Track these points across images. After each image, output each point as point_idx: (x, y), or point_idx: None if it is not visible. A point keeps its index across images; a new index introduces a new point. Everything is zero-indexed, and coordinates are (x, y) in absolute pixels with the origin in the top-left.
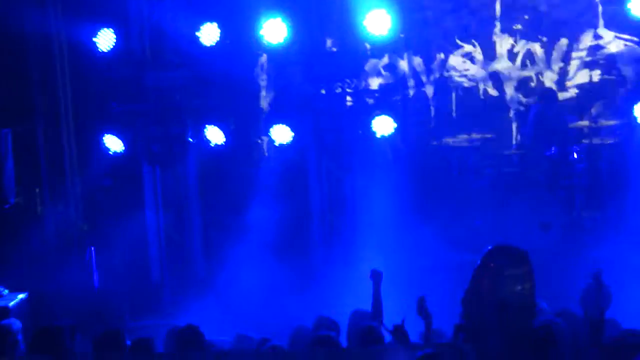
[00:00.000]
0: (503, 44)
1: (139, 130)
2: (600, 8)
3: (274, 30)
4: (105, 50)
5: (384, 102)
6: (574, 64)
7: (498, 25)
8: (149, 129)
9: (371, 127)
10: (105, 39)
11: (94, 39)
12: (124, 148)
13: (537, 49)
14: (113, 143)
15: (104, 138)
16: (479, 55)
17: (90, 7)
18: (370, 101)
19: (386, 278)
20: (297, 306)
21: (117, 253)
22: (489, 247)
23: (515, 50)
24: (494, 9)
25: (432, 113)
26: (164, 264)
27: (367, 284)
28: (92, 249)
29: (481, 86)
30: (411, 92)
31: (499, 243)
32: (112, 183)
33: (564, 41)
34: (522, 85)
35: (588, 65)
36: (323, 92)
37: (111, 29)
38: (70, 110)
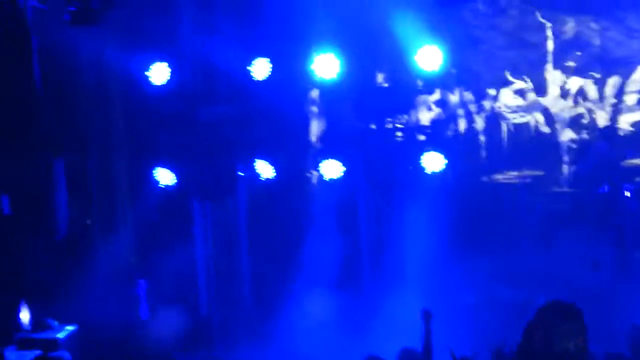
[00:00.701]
0: (555, 80)
1: (190, 164)
2: None
3: (326, 65)
4: (159, 84)
5: (435, 137)
6: (626, 101)
7: (550, 61)
8: (200, 162)
9: (421, 163)
10: (158, 73)
11: (147, 73)
12: (175, 181)
13: (590, 85)
14: (164, 176)
15: (154, 171)
16: (530, 91)
17: (144, 40)
18: (421, 137)
19: (437, 315)
20: (347, 345)
21: (167, 286)
22: (543, 304)
23: (567, 86)
24: (546, 45)
25: (483, 149)
26: (213, 298)
27: (417, 321)
28: (142, 281)
29: (532, 122)
30: (462, 128)
31: (553, 299)
32: (161, 217)
33: (616, 78)
34: (574, 122)
35: None
36: (373, 127)
37: (165, 63)
38: (122, 143)
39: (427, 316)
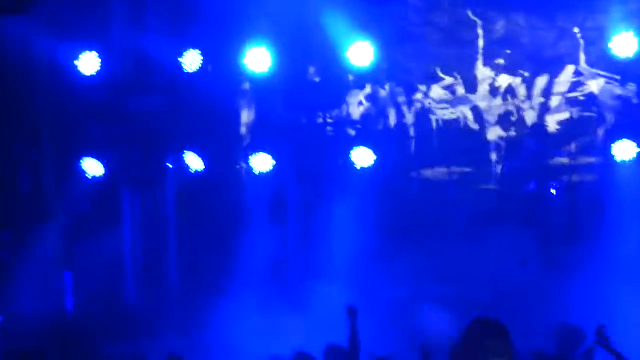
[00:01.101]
0: (485, 77)
1: (118, 155)
2: (582, 45)
3: (257, 59)
4: (88, 74)
5: (365, 132)
6: (554, 100)
7: (480, 58)
8: (129, 153)
9: (351, 158)
10: (88, 63)
11: (76, 62)
12: (103, 172)
13: (519, 83)
14: (92, 167)
15: (83, 161)
16: (460, 88)
17: (74, 30)
18: (352, 132)
19: (364, 310)
20: (274, 340)
21: (94, 277)
22: (470, 320)
23: (496, 84)
24: (477, 43)
25: (413, 144)
26: (140, 289)
27: (344, 317)
28: (68, 273)
29: (462, 119)
30: (392, 123)
31: (479, 316)
32: (89, 207)
33: (545, 77)
34: (503, 119)
35: (569, 101)
36: (304, 121)
37: (95, 52)
38: (50, 132)
39: (352, 313)
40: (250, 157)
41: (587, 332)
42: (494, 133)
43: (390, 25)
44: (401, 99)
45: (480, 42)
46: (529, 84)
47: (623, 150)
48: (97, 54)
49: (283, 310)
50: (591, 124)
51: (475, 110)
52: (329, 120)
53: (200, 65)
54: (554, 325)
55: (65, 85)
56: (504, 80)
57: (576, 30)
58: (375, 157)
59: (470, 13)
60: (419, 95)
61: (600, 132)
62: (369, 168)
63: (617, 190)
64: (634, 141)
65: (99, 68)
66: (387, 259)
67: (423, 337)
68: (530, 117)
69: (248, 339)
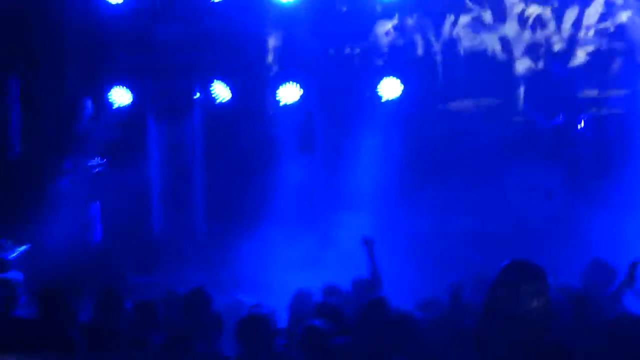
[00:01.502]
0: (514, 7)
1: (146, 84)
2: None
3: None
4: (115, 3)
5: (393, 63)
6: (583, 31)
7: None
8: (156, 82)
9: (378, 90)
10: None
11: None
12: (130, 101)
13: (548, 14)
14: (120, 95)
15: (111, 90)
16: (489, 18)
17: None
18: (379, 62)
19: (387, 241)
20: (300, 275)
21: (120, 208)
22: (505, 263)
23: (525, 14)
24: None
25: (440, 75)
26: (167, 220)
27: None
28: (97, 203)
29: (490, 50)
30: (420, 54)
31: (515, 258)
32: (116, 137)
33: (575, 7)
34: (531, 50)
35: (598, 32)
36: (332, 51)
37: None
38: (77, 62)
39: (369, 244)
40: (277, 88)
41: (617, 270)
42: (522, 64)
43: None
44: (429, 29)
45: None
46: (558, 14)
47: None
48: None
49: (312, 241)
50: (620, 56)
51: (504, 40)
52: (357, 51)
53: None
54: (585, 261)
55: (92, 14)
56: (533, 11)
57: None
58: (402, 88)
59: None
60: (446, 26)
61: (629, 63)
62: (396, 99)
63: None
64: None
65: None
66: (414, 191)
67: (451, 272)
68: (559, 48)
69: (276, 272)
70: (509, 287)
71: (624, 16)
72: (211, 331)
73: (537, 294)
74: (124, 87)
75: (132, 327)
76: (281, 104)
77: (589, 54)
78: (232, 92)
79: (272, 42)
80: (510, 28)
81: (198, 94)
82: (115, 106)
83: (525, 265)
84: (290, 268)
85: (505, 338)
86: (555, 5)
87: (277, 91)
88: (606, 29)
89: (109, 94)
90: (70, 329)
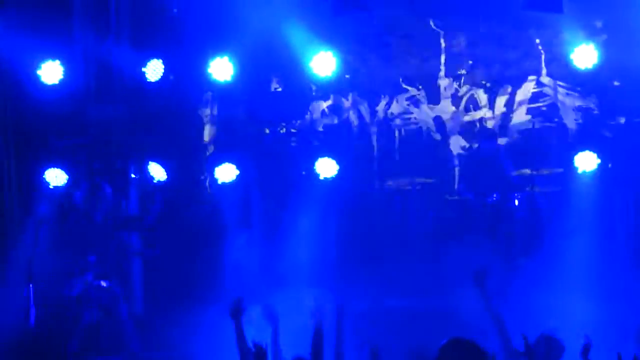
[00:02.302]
0: (447, 88)
1: (82, 165)
2: (543, 56)
3: (220, 68)
4: (50, 84)
5: (328, 143)
6: (516, 110)
7: (443, 69)
8: (92, 163)
9: (315, 168)
10: (50, 72)
11: (37, 72)
12: (65, 182)
13: (481, 94)
14: (55, 177)
15: (45, 172)
16: (423, 98)
17: (35, 39)
18: (315, 142)
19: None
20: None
21: (57, 290)
22: (444, 342)
23: (459, 94)
24: (439, 54)
25: (376, 155)
26: None
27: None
28: (30, 286)
29: (425, 130)
30: (355, 134)
31: (456, 337)
32: (53, 218)
33: (507, 87)
34: (465, 129)
35: (530, 112)
36: (267, 131)
37: (57, 61)
38: (11, 144)
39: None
40: (214, 168)
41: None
42: (457, 143)
43: (352, 35)
44: (364, 110)
45: (443, 53)
46: (491, 94)
47: (585, 161)
48: (60, 63)
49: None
50: (553, 135)
51: (438, 120)
52: (292, 131)
53: (163, 75)
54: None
55: (27, 95)
56: (466, 91)
57: (538, 41)
58: (338, 168)
59: (432, 23)
60: (381, 106)
61: (562, 142)
62: (332, 178)
63: (579, 201)
64: (595, 152)
65: (62, 77)
66: (350, 270)
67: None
68: (492, 128)
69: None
70: None
71: (556, 96)
72: None
73: None
74: (59, 169)
75: None
76: (219, 182)
77: (521, 133)
78: (167, 172)
79: (207, 121)
80: (444, 108)
81: (134, 175)
82: (52, 186)
83: (466, 348)
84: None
85: None
86: (488, 85)
87: (214, 170)
88: (538, 108)
89: (44, 175)
90: None
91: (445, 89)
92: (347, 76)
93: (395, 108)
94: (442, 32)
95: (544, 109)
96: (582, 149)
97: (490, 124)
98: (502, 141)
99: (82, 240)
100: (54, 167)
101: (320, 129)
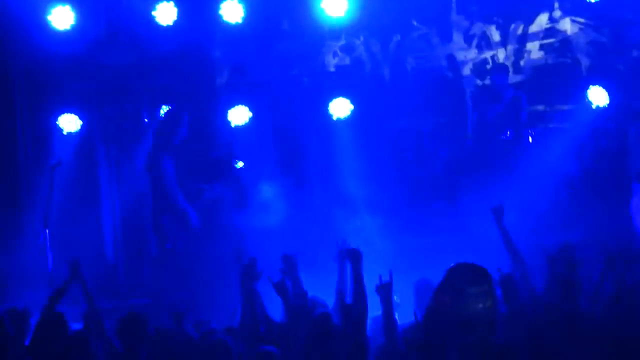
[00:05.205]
0: (459, 26)
1: (94, 110)
2: None
3: (231, 10)
4: (61, 29)
5: (341, 83)
6: (529, 47)
7: (454, 7)
8: (105, 108)
9: (328, 109)
10: (61, 17)
11: (48, 17)
12: (79, 128)
13: (493, 31)
14: (68, 123)
15: (59, 118)
16: (435, 37)
17: None
18: (328, 82)
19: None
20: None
21: (72, 234)
22: (451, 266)
23: (471, 32)
24: None
25: (388, 95)
26: (119, 244)
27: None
28: (47, 230)
29: (437, 68)
30: (367, 73)
31: (460, 261)
32: (67, 163)
33: (519, 23)
34: (478, 67)
35: (543, 47)
36: (280, 72)
37: (68, 6)
38: (24, 90)
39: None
40: (226, 110)
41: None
42: (470, 81)
43: None
44: (376, 49)
45: None
46: (503, 31)
47: (598, 95)
48: (71, 7)
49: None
50: (566, 70)
51: (450, 58)
52: (305, 72)
53: (175, 18)
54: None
55: (38, 41)
56: (478, 28)
57: None
58: (352, 108)
59: None
60: (393, 45)
61: (575, 77)
62: (346, 119)
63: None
64: (607, 87)
65: (73, 22)
66: (366, 209)
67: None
68: (505, 65)
69: (219, 297)
70: (455, 291)
71: (568, 30)
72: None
73: (482, 296)
74: (73, 114)
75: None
76: (232, 125)
77: (534, 69)
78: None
79: (220, 64)
80: (456, 46)
81: (147, 119)
82: (65, 133)
83: (470, 269)
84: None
85: (451, 341)
86: (500, 22)
87: (227, 113)
88: (551, 44)
89: (57, 121)
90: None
91: (457, 26)
92: (358, 16)
93: (407, 47)
94: None
95: (556, 44)
96: (596, 83)
97: (503, 61)
98: (515, 78)
99: None
100: (67, 112)
101: (332, 69)
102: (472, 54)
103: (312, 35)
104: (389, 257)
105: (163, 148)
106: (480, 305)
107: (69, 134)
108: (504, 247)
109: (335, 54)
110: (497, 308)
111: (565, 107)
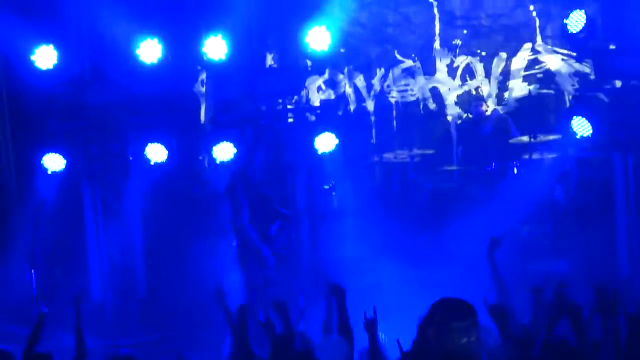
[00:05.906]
0: (443, 58)
1: (79, 148)
2: (537, 23)
3: (214, 47)
4: (45, 69)
5: (326, 118)
6: (512, 78)
7: (438, 40)
8: (89, 146)
9: (313, 144)
10: (45, 56)
11: (32, 57)
12: (64, 167)
13: (477, 63)
14: (53, 162)
15: (43, 157)
16: (419, 70)
17: (28, 23)
18: (312, 117)
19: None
20: None
21: (57, 273)
22: (435, 301)
23: (454, 65)
24: (434, 24)
25: (373, 128)
26: (106, 283)
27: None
28: (33, 270)
29: (421, 101)
30: (352, 108)
31: (445, 296)
32: (51, 203)
33: (502, 55)
34: (462, 99)
35: (526, 79)
36: (264, 108)
37: (51, 45)
38: (8, 130)
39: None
40: (211, 146)
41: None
42: (454, 113)
43: (346, 9)
44: (360, 83)
45: (437, 23)
46: (487, 63)
47: (581, 126)
48: (54, 47)
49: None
50: (550, 101)
51: (435, 91)
52: (289, 107)
53: (159, 55)
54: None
55: (21, 80)
56: (461, 61)
57: (532, 8)
58: (337, 142)
59: None
60: (377, 79)
61: (559, 108)
62: (330, 153)
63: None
64: (591, 117)
65: (56, 61)
66: (351, 243)
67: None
68: (489, 96)
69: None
70: (439, 324)
71: (550, 62)
72: None
73: (466, 331)
74: (57, 154)
75: None
76: (217, 161)
77: (518, 100)
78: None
79: (204, 100)
80: (440, 78)
81: (132, 157)
82: (50, 172)
83: (454, 303)
84: None
85: None
86: (483, 54)
87: (212, 150)
88: (534, 75)
89: (41, 161)
90: None
91: (440, 59)
92: (342, 50)
93: (391, 80)
94: (435, 3)
95: (540, 75)
96: (579, 114)
97: (486, 93)
98: (499, 109)
99: None
100: (51, 152)
101: (317, 104)
102: (456, 85)
103: (296, 70)
104: (375, 289)
105: None
106: (465, 340)
107: (54, 172)
108: (491, 277)
109: (319, 89)
110: (479, 343)
111: (550, 138)
